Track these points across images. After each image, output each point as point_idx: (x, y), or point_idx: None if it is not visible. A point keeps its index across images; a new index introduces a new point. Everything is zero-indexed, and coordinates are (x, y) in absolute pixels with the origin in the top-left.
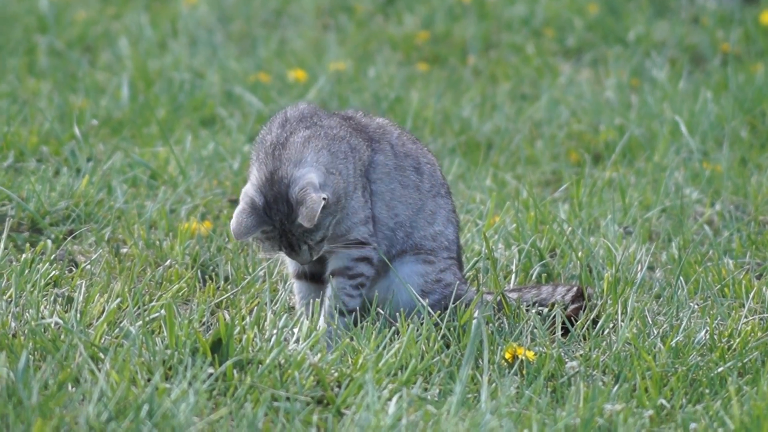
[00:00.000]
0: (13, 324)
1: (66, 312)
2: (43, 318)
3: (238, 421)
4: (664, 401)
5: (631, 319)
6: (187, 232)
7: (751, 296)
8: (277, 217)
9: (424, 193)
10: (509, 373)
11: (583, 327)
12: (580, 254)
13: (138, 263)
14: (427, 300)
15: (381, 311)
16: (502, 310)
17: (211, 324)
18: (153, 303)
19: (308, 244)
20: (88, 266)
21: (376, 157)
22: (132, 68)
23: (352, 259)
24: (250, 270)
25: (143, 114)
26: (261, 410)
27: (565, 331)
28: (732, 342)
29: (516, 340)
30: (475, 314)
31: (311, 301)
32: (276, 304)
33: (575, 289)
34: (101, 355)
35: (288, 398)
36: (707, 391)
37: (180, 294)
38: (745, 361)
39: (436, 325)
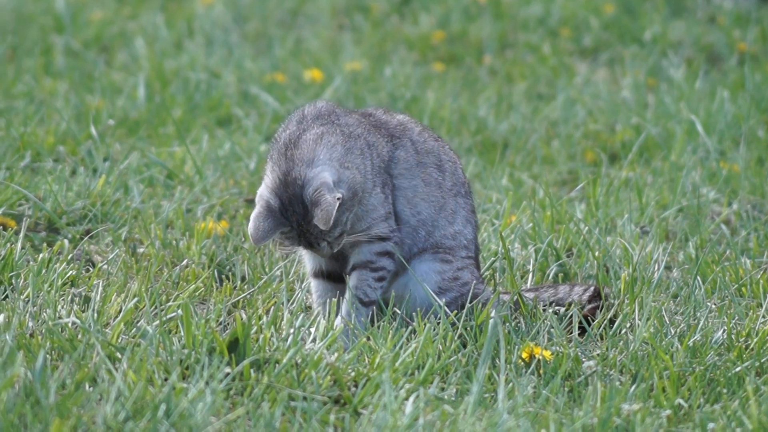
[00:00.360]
0: (30, 324)
1: (83, 312)
2: (60, 318)
3: (255, 420)
4: (681, 401)
5: (648, 319)
6: (204, 232)
7: None
8: (294, 219)
9: (446, 191)
10: (526, 372)
11: (600, 326)
12: (596, 254)
13: (155, 263)
14: (444, 298)
15: (398, 311)
16: (519, 310)
17: (228, 324)
18: (170, 303)
19: (327, 240)
20: (105, 266)
21: (396, 153)
22: (148, 68)
23: (374, 253)
24: (267, 270)
25: (159, 114)
26: (278, 410)
27: (582, 331)
28: (750, 341)
29: (533, 339)
30: (492, 314)
31: (328, 300)
32: (293, 303)
33: (592, 288)
34: (118, 354)
35: (305, 398)
36: (725, 390)
37: (197, 294)
38: (762, 360)
39: (453, 324)
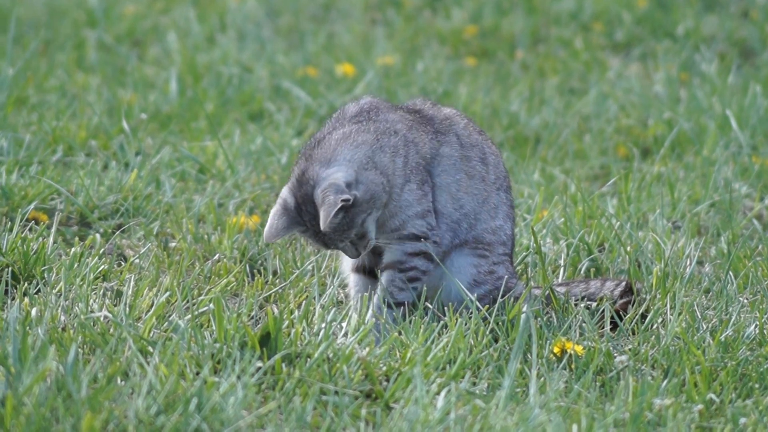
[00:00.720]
0: (62, 318)
1: (115, 306)
2: (92, 312)
3: (287, 414)
4: (713, 396)
5: (680, 314)
6: (236, 227)
7: None
8: (307, 218)
9: (489, 184)
10: (558, 367)
11: (632, 321)
12: (628, 249)
13: (186, 257)
14: (478, 290)
15: (429, 305)
16: (551, 305)
17: (260, 318)
18: (202, 297)
19: (345, 242)
20: (137, 260)
21: (441, 150)
22: (180, 63)
23: (405, 253)
24: (299, 264)
25: (191, 108)
26: (309, 404)
27: (614, 326)
28: None
29: (564, 334)
30: (524, 308)
31: (362, 295)
32: (324, 298)
33: (624, 283)
34: (150, 348)
35: (336, 392)
36: (757, 386)
37: (228, 288)
38: None
39: (485, 319)
